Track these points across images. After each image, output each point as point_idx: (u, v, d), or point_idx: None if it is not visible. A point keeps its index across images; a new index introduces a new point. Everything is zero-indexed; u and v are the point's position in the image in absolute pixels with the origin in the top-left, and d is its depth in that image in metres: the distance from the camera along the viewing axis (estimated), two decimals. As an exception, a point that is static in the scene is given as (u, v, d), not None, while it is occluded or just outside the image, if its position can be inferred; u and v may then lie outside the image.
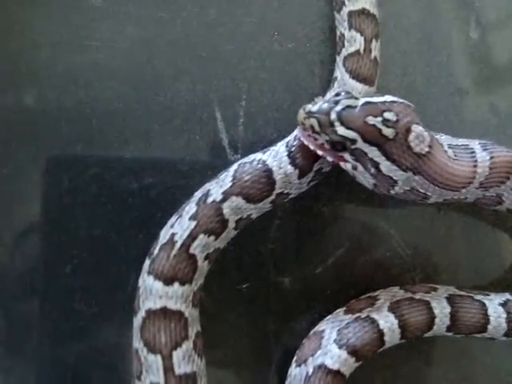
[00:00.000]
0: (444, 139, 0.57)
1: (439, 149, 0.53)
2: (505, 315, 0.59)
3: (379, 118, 0.51)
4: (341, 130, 0.51)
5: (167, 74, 0.60)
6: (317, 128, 0.52)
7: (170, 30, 0.61)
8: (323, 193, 0.61)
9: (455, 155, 0.55)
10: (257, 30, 0.62)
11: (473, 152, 0.56)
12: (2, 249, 0.61)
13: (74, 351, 0.61)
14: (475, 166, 0.55)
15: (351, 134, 0.51)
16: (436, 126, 0.64)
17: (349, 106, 0.52)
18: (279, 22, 0.63)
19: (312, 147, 0.53)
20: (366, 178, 0.54)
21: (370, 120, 0.51)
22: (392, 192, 0.54)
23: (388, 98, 0.54)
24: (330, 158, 0.54)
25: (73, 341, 0.61)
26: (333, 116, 0.51)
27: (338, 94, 0.53)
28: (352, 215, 0.63)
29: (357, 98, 0.53)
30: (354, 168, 0.53)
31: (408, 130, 0.51)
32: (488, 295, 0.61)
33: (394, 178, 0.52)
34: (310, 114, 0.52)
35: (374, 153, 0.51)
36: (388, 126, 0.51)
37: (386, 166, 0.51)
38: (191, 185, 0.58)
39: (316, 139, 0.53)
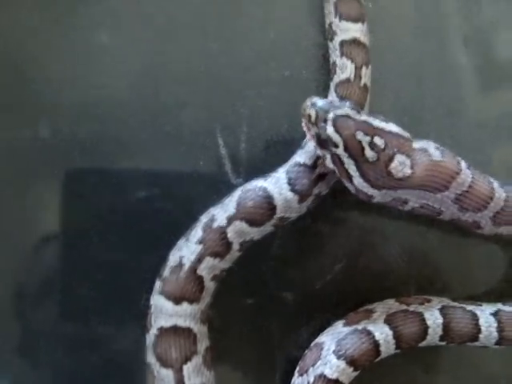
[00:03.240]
0: (432, 143, 0.62)
1: (422, 159, 0.59)
2: (495, 325, 0.65)
3: (367, 138, 0.58)
4: (329, 130, 0.58)
5: (171, 104, 0.67)
6: (313, 119, 0.59)
7: (174, 62, 0.68)
8: (321, 212, 0.68)
9: (442, 156, 0.61)
10: (255, 60, 0.69)
11: (459, 161, 0.62)
12: (21, 259, 0.68)
13: (89, 362, 0.69)
14: (457, 173, 0.61)
15: (336, 138, 0.58)
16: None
17: (348, 115, 0.59)
18: (276, 52, 0.70)
19: (306, 133, 0.60)
20: (345, 183, 0.61)
21: (359, 135, 0.58)
22: (372, 200, 0.60)
23: (390, 126, 0.60)
24: (318, 152, 0.61)
25: (88, 352, 0.68)
26: (330, 115, 0.58)
27: (346, 102, 0.61)
28: (349, 232, 0.70)
29: (360, 114, 0.60)
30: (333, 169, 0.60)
31: (391, 159, 0.58)
32: (480, 305, 0.67)
33: (368, 193, 0.59)
34: (313, 105, 0.59)
35: (350, 166, 0.58)
36: (372, 149, 0.58)
37: (358, 181, 0.59)
38: (197, 208, 0.64)
39: (309, 129, 0.60)
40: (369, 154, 0.58)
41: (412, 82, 0.74)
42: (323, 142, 0.59)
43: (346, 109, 0.59)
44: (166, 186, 0.67)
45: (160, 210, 0.66)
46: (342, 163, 0.58)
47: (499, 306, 0.68)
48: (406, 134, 0.61)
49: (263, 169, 0.66)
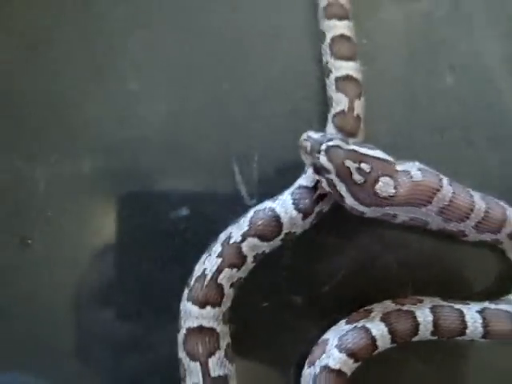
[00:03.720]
0: (417, 164, 0.73)
1: (404, 180, 0.70)
2: (481, 321, 0.75)
3: (355, 165, 0.69)
4: (322, 159, 0.69)
5: (191, 139, 0.80)
6: (308, 150, 0.70)
7: (192, 103, 0.81)
8: (325, 226, 0.78)
9: (423, 176, 0.71)
10: (262, 96, 0.81)
11: (440, 179, 0.72)
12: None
13: (133, 362, 0.82)
14: (438, 190, 0.71)
15: (328, 166, 0.69)
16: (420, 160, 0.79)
17: (338, 146, 0.70)
18: (280, 87, 0.82)
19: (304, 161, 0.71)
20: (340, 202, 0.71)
21: (347, 163, 0.69)
22: (364, 216, 0.71)
23: (375, 152, 0.71)
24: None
25: (131, 353, 0.81)
26: (322, 147, 0.69)
27: (337, 134, 0.72)
28: (351, 242, 0.80)
29: (348, 144, 0.70)
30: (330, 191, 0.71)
31: (376, 181, 0.69)
32: (468, 304, 0.77)
33: (360, 210, 0.70)
34: (308, 138, 0.70)
35: (342, 188, 0.69)
36: (359, 174, 0.68)
37: (349, 201, 0.70)
38: (217, 227, 0.75)
39: (306, 158, 0.71)
40: (356, 177, 0.69)
41: (405, 108, 0.84)
42: (318, 169, 0.70)
43: (336, 140, 0.70)
44: (192, 209, 0.79)
45: (187, 229, 0.79)
46: (335, 186, 0.70)
47: (486, 304, 0.77)
48: (390, 159, 0.71)
49: (273, 192, 0.76)
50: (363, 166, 0.69)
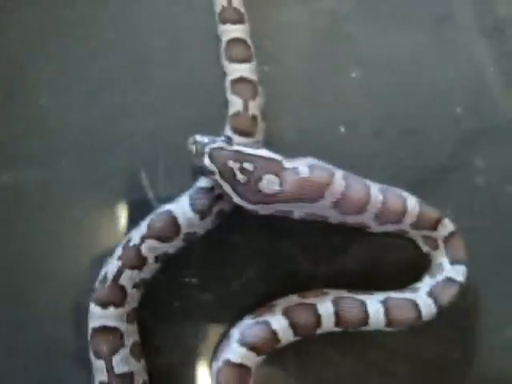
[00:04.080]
0: (308, 160, 0.74)
1: (290, 177, 0.71)
2: (383, 310, 0.76)
3: (238, 165, 0.71)
4: (206, 161, 0.72)
5: (102, 149, 0.84)
6: (193, 153, 0.73)
7: (101, 113, 0.85)
8: (232, 225, 0.81)
9: (310, 171, 0.72)
10: (167, 103, 0.85)
11: (332, 174, 0.73)
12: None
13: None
14: (328, 184, 0.72)
15: (212, 167, 0.71)
16: (325, 158, 0.80)
17: (221, 148, 0.72)
18: (185, 93, 0.85)
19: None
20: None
21: (230, 163, 0.71)
22: (260, 213, 0.73)
23: (260, 151, 0.73)
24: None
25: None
26: (206, 149, 0.72)
27: (221, 137, 0.75)
28: (259, 239, 0.82)
29: (232, 145, 0.73)
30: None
31: (259, 179, 0.71)
32: (371, 294, 0.78)
33: (249, 208, 0.72)
34: (193, 141, 0.74)
35: (227, 188, 0.72)
36: (242, 173, 0.71)
37: (237, 200, 0.72)
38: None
39: (194, 160, 0.74)
40: (240, 177, 0.71)
41: (310, 105, 0.86)
42: (204, 171, 0.73)
43: (220, 142, 0.72)
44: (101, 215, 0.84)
45: (92, 236, 0.83)
46: (221, 186, 0.72)
47: (389, 293, 0.78)
48: (276, 157, 0.73)
49: (180, 194, 0.79)
50: (246, 165, 0.72)
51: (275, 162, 0.73)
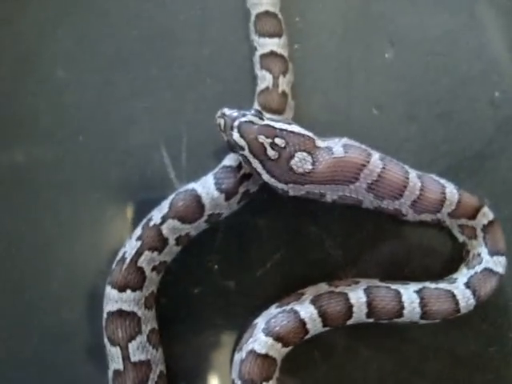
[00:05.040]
0: (343, 140, 0.70)
1: (324, 156, 0.67)
2: (418, 300, 0.72)
3: (269, 140, 0.67)
4: (235, 136, 0.68)
5: (121, 125, 0.80)
6: (222, 127, 0.69)
7: (120, 89, 0.81)
8: (258, 207, 0.77)
9: (345, 151, 0.68)
10: (192, 79, 0.81)
11: (369, 154, 0.70)
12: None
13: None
14: (364, 165, 0.68)
15: (241, 142, 0.67)
16: (356, 140, 0.77)
17: (251, 122, 0.68)
18: (210, 70, 0.81)
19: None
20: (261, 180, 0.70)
21: (261, 138, 0.67)
22: (290, 194, 0.69)
23: (292, 127, 0.69)
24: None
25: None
26: (235, 123, 0.68)
27: (251, 110, 0.71)
28: (285, 224, 0.78)
29: (262, 119, 0.69)
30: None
31: (291, 157, 0.67)
32: (407, 284, 0.74)
33: (279, 187, 0.68)
34: (221, 114, 0.70)
35: (257, 164, 0.68)
36: (273, 149, 0.67)
37: (266, 177, 0.68)
38: (144, 212, 0.75)
39: (222, 136, 0.70)
40: (270, 153, 0.67)
41: (341, 84, 0.82)
42: (233, 146, 0.69)
43: (250, 116, 0.68)
44: (123, 194, 0.79)
45: (115, 216, 0.79)
46: (250, 163, 0.68)
47: (425, 283, 0.74)
48: (309, 134, 0.69)
49: (203, 174, 0.75)
50: (277, 140, 0.68)
51: (308, 140, 0.69)
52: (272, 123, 0.69)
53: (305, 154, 0.68)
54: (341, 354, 0.78)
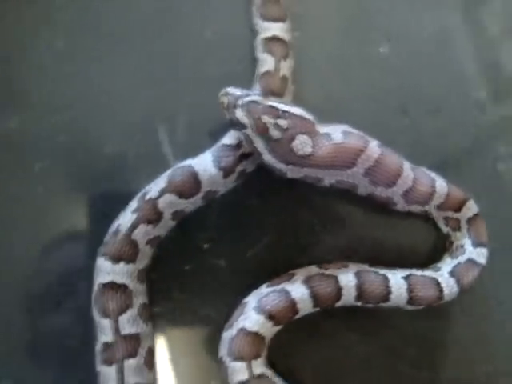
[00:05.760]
0: (343, 127, 0.72)
1: (323, 142, 0.69)
2: (405, 286, 0.74)
3: (272, 120, 0.69)
4: (238, 114, 0.69)
5: (119, 99, 0.80)
6: (225, 105, 0.70)
7: (122, 62, 0.81)
8: (251, 188, 0.78)
9: (344, 138, 0.70)
10: (193, 58, 0.82)
11: (366, 141, 0.72)
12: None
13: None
14: (362, 150, 0.70)
15: (245, 120, 0.69)
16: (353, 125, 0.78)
17: (256, 101, 0.69)
18: (213, 50, 0.82)
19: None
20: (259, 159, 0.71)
21: (264, 118, 0.69)
22: (286, 176, 0.71)
23: (294, 109, 0.71)
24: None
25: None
26: (239, 101, 0.69)
27: (255, 90, 0.72)
28: (277, 206, 0.79)
29: (266, 99, 0.70)
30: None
31: (293, 138, 0.69)
32: (394, 270, 0.76)
33: (278, 167, 0.69)
34: (225, 93, 0.71)
35: (258, 144, 0.69)
36: (276, 129, 0.68)
37: (267, 158, 0.69)
38: (140, 188, 0.75)
39: (225, 114, 0.71)
40: (273, 133, 0.69)
41: (338, 74, 0.84)
42: (235, 124, 0.70)
43: (254, 96, 0.70)
44: (116, 169, 0.79)
45: (107, 189, 0.78)
46: (252, 142, 0.69)
47: (412, 270, 0.77)
48: (310, 117, 0.71)
49: (199, 152, 0.76)
50: (280, 121, 0.69)
51: (309, 123, 0.71)
52: (275, 104, 0.70)
53: (305, 136, 0.69)
54: (327, 336, 0.79)
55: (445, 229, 0.81)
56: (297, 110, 0.71)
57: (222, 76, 0.81)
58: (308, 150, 0.69)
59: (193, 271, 0.77)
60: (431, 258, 0.81)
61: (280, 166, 0.70)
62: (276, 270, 0.77)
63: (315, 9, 0.85)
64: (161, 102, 0.80)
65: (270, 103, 0.70)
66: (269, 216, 0.79)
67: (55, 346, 0.76)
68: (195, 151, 0.76)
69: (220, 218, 0.78)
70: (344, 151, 0.70)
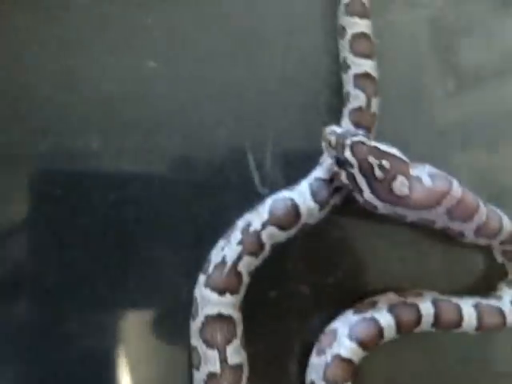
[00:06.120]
0: (427, 169, 0.77)
1: (417, 185, 0.74)
2: (475, 314, 0.81)
3: (377, 161, 0.72)
4: (347, 154, 0.72)
5: (207, 123, 0.80)
6: (333, 144, 0.73)
7: (208, 86, 0.81)
8: (333, 219, 0.81)
9: (432, 182, 0.75)
10: (279, 87, 0.83)
11: (450, 182, 0.77)
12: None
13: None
14: (447, 192, 0.75)
15: (352, 160, 0.72)
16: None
17: (362, 142, 0.73)
18: (295, 80, 0.83)
19: (326, 154, 0.75)
20: (356, 195, 0.75)
21: (370, 159, 0.72)
22: (377, 211, 0.75)
23: (394, 151, 0.75)
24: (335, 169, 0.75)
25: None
26: (347, 141, 0.72)
27: (359, 130, 0.76)
28: (356, 237, 0.84)
29: (370, 140, 0.74)
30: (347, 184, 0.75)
31: (394, 178, 0.73)
32: (462, 298, 0.83)
33: (374, 204, 0.74)
34: (333, 133, 0.73)
35: (362, 182, 0.73)
36: (380, 170, 0.72)
37: (367, 194, 0.73)
38: (231, 215, 0.76)
39: (329, 151, 0.74)
40: (378, 173, 0.72)
41: (409, 109, 0.89)
42: (341, 163, 0.73)
43: (361, 136, 0.73)
44: (205, 195, 0.80)
45: (198, 214, 0.79)
46: (355, 180, 0.73)
47: (478, 299, 0.84)
48: (406, 159, 0.75)
49: (284, 181, 0.80)
50: (384, 163, 0.73)
51: (405, 164, 0.75)
52: (378, 145, 0.73)
53: (403, 177, 0.74)
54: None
55: (500, 258, 0.88)
56: (395, 151, 0.74)
57: (305, 105, 0.83)
58: (405, 191, 0.74)
59: (277, 297, 0.80)
60: (483, 286, 0.88)
61: (377, 203, 0.74)
62: (352, 295, 0.81)
63: (391, 42, 0.88)
64: (248, 128, 0.81)
65: (374, 144, 0.73)
66: (348, 245, 0.83)
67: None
68: (280, 180, 0.80)
69: (304, 247, 0.81)
70: (433, 194, 0.75)
